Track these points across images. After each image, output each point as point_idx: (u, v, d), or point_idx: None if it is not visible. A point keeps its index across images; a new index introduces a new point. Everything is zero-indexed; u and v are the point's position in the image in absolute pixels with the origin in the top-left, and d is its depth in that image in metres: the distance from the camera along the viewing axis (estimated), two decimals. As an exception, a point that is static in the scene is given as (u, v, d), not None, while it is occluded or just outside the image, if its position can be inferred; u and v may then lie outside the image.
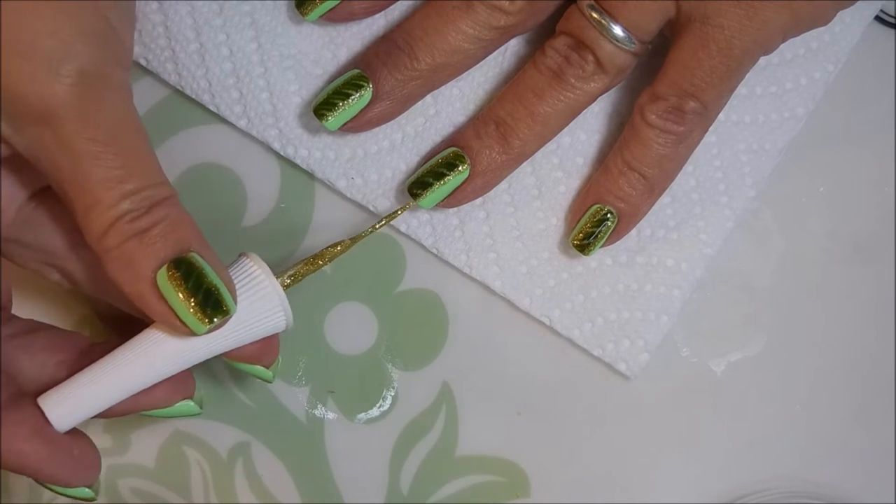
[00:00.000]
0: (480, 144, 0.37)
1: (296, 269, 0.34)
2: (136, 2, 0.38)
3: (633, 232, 0.39)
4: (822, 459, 0.40)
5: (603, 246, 0.37)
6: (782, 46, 0.37)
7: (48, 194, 0.33)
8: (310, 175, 0.40)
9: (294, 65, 0.39)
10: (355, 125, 0.37)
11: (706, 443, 0.40)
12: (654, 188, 0.37)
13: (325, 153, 0.39)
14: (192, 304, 0.30)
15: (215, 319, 0.30)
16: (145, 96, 0.40)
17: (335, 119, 0.36)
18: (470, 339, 0.40)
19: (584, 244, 0.37)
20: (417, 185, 0.37)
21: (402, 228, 0.39)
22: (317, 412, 0.40)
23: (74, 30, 0.29)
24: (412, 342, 0.40)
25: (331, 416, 0.40)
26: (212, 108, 0.39)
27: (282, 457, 0.40)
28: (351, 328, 0.40)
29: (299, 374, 0.40)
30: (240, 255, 0.33)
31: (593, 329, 0.39)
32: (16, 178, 0.33)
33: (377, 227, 0.37)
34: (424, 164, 0.38)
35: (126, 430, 0.40)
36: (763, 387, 0.40)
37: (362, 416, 0.40)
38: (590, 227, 0.37)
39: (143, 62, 0.39)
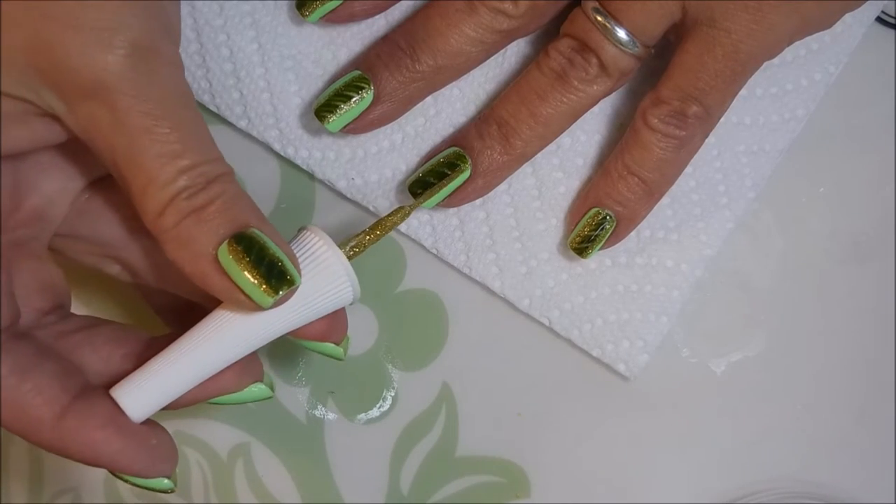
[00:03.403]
0: (482, 145, 0.37)
1: (357, 238, 0.33)
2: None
3: (633, 233, 0.38)
4: (822, 459, 0.40)
5: (601, 249, 0.37)
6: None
7: (102, 185, 0.33)
8: (310, 175, 0.40)
9: (294, 65, 0.39)
10: (357, 127, 0.37)
11: (706, 443, 0.40)
12: (654, 192, 0.37)
13: (325, 154, 0.39)
14: (257, 276, 0.29)
15: (281, 291, 0.29)
16: (145, 96, 0.40)
17: (337, 121, 0.36)
18: (470, 339, 0.40)
19: (583, 247, 0.37)
20: (418, 185, 0.37)
21: (403, 228, 0.39)
22: (317, 412, 0.40)
23: (124, 3, 0.28)
24: (412, 342, 0.40)
25: (331, 416, 0.40)
26: (212, 108, 0.39)
27: (282, 457, 0.40)
28: (351, 328, 0.40)
29: (299, 374, 0.40)
30: (300, 230, 0.33)
31: (593, 330, 0.39)
32: (69, 170, 0.32)
33: (427, 196, 0.36)
34: (425, 163, 0.38)
35: (126, 431, 0.40)
36: (763, 387, 0.40)
37: (362, 416, 0.40)
38: (588, 231, 0.37)
39: (143, 62, 0.39)
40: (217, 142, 0.40)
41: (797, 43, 0.38)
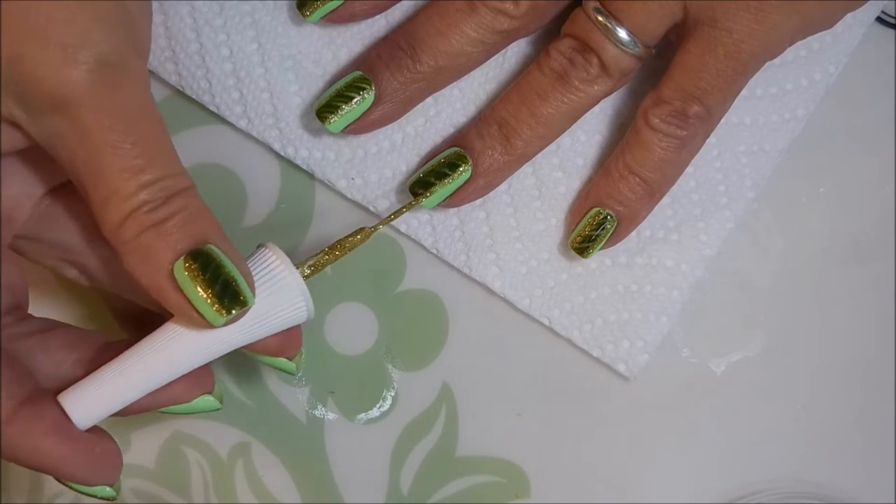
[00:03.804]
0: (483, 145, 0.37)
1: (316, 258, 0.34)
2: None
3: (633, 233, 0.38)
4: (822, 459, 0.40)
5: (602, 249, 0.37)
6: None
7: (64, 190, 0.33)
8: (310, 175, 0.40)
9: (294, 65, 0.39)
10: (358, 127, 0.37)
11: (706, 443, 0.40)
12: (655, 192, 0.37)
13: (325, 153, 0.39)
14: (210, 295, 0.30)
15: (233, 311, 0.30)
16: (145, 96, 0.40)
17: (338, 122, 0.36)
18: (470, 339, 0.40)
19: (583, 247, 0.37)
20: (419, 185, 0.37)
21: (402, 228, 0.39)
22: (317, 412, 0.40)
23: (90, 17, 0.28)
24: (412, 342, 0.40)
25: (331, 416, 0.40)
26: (212, 108, 0.39)
27: (282, 457, 0.40)
28: (351, 328, 0.40)
29: (299, 374, 0.40)
30: (259, 246, 0.33)
31: (593, 330, 0.39)
32: (32, 174, 0.33)
33: (394, 216, 0.36)
34: (426, 163, 0.38)
35: (126, 431, 0.40)
36: (763, 387, 0.40)
37: (362, 416, 0.40)
38: (589, 231, 0.37)
39: (142, 62, 0.39)
40: (217, 142, 0.40)
41: (797, 43, 0.38)
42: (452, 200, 0.37)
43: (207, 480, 0.40)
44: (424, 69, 0.36)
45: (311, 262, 0.34)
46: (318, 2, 0.36)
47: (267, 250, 0.32)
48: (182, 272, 0.29)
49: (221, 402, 0.34)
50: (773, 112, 0.39)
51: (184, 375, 0.32)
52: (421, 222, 0.39)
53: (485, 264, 0.39)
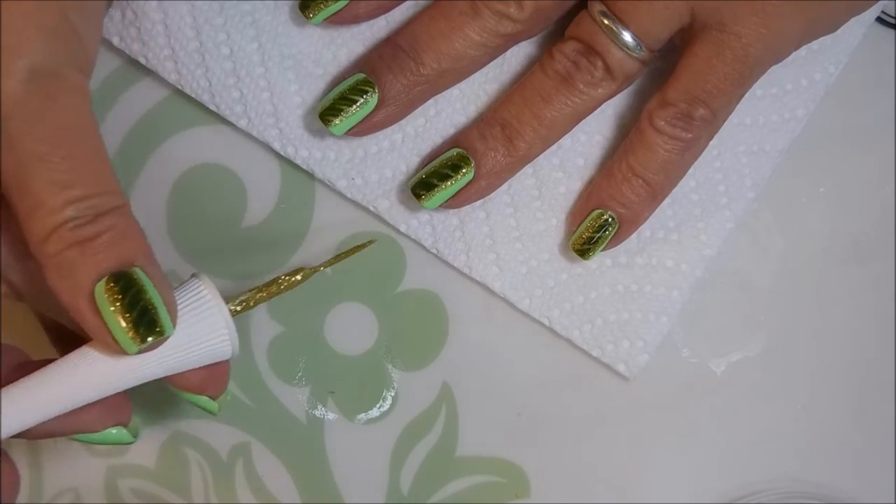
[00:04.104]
0: (485, 146, 0.37)
1: (248, 295, 0.33)
2: (122, 2, 0.38)
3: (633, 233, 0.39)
4: (822, 459, 0.40)
5: (603, 251, 0.37)
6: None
7: None
8: (310, 175, 0.40)
9: (295, 65, 0.39)
10: (361, 130, 0.37)
11: (706, 443, 0.40)
12: (657, 194, 0.37)
13: (325, 153, 0.39)
14: (126, 321, 0.28)
15: (149, 339, 0.29)
16: (145, 96, 0.40)
17: (341, 124, 0.36)
18: (470, 339, 0.40)
19: (585, 249, 0.37)
20: (421, 186, 0.37)
21: (402, 228, 0.39)
22: (317, 412, 0.40)
23: (30, 26, 0.28)
24: (412, 342, 0.40)
25: (331, 416, 0.40)
26: (212, 107, 0.39)
27: (282, 457, 0.40)
28: (351, 328, 0.40)
29: (299, 374, 0.40)
30: (192, 276, 0.32)
31: (593, 330, 0.39)
32: None
33: (333, 261, 0.35)
34: (427, 164, 0.37)
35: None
36: (763, 387, 0.40)
37: (362, 416, 0.40)
38: (590, 232, 0.37)
39: (142, 61, 0.39)
40: (217, 142, 0.40)
41: (798, 44, 0.38)
42: (454, 202, 0.37)
43: (207, 480, 0.40)
44: (427, 72, 0.36)
45: (242, 299, 0.33)
46: (322, 4, 0.36)
47: (198, 281, 0.32)
48: (102, 294, 0.28)
49: (136, 436, 0.33)
50: (773, 112, 0.39)
51: (99, 403, 0.31)
52: (421, 222, 0.39)
53: (485, 264, 0.39)
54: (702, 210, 0.39)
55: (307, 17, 0.36)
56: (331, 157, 0.39)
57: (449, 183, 0.37)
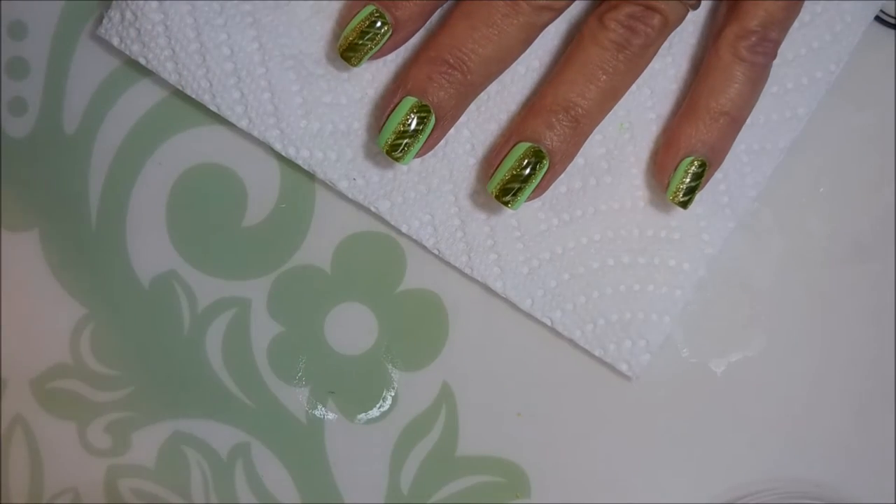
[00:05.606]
0: (554, 134, 0.36)
1: None
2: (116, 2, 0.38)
3: (636, 232, 0.39)
4: (822, 459, 0.40)
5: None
6: (783, 46, 0.37)
7: None
8: (310, 175, 0.40)
9: (296, 65, 0.39)
10: (423, 152, 0.37)
11: (706, 443, 0.40)
12: (740, 128, 0.37)
13: (326, 154, 0.39)
14: None
15: None
16: (145, 96, 0.40)
17: (409, 156, 0.36)
18: (470, 339, 0.40)
19: (686, 200, 0.37)
20: (505, 193, 0.36)
21: (404, 229, 0.39)
22: (317, 412, 0.40)
23: None
24: (412, 342, 0.40)
25: (331, 416, 0.40)
26: (212, 108, 0.39)
27: (282, 457, 0.40)
28: (351, 328, 0.40)
29: (299, 374, 0.40)
30: None
31: (595, 330, 0.39)
32: None
33: None
34: (500, 165, 0.36)
35: (126, 431, 0.40)
36: (763, 387, 0.40)
37: (362, 416, 0.40)
38: (688, 182, 0.37)
39: (142, 62, 0.39)
40: (217, 142, 0.40)
41: (798, 41, 0.38)
42: (535, 195, 0.36)
43: (207, 480, 0.40)
44: (475, 79, 0.36)
45: None
46: (363, 50, 0.36)
47: None
48: None
49: None
50: (774, 111, 0.39)
51: None
52: (422, 223, 0.39)
53: (486, 265, 0.39)
54: (703, 209, 0.39)
55: (352, 64, 0.36)
56: (332, 157, 0.39)
57: (531, 181, 0.36)
